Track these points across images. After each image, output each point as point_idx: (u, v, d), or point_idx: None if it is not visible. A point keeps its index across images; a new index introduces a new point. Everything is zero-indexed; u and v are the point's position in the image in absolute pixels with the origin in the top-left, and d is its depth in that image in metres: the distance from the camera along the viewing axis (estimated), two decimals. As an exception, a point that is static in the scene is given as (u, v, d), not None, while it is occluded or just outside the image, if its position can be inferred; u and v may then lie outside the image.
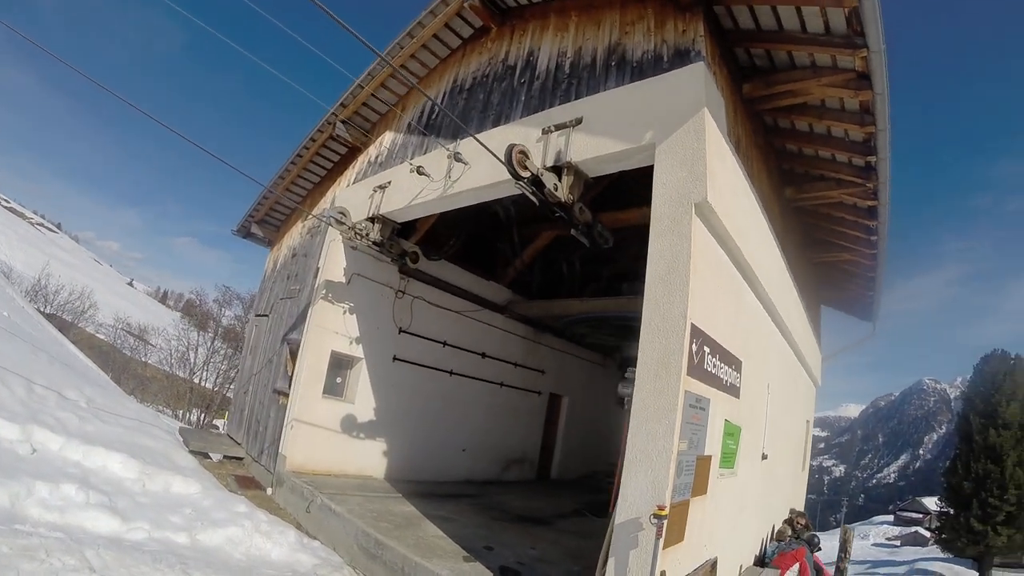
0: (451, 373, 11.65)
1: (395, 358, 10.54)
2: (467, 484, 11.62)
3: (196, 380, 31.08)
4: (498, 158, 5.46)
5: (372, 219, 8.87)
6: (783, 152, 8.36)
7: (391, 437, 10.52)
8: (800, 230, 10.42)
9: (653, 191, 5.10)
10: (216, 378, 32.25)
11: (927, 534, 54.38)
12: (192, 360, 31.87)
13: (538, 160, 6.04)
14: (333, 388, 9.91)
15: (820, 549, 8.94)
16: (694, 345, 4.66)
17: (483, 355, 12.44)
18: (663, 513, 4.11)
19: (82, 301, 37.00)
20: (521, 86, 7.38)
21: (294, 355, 10.24)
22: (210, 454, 10.83)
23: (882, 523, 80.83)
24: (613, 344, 14.98)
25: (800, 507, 13.24)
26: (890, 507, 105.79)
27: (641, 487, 4.41)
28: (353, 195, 9.66)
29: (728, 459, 6.11)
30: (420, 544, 6.72)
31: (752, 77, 6.70)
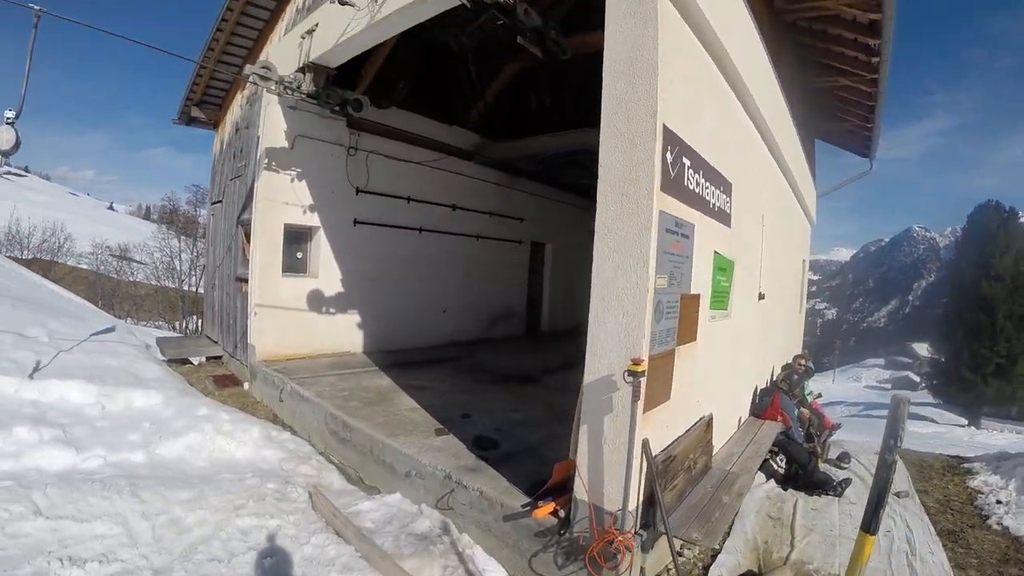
0: (420, 231, 10.51)
1: (356, 221, 9.42)
2: (452, 347, 10.90)
3: (185, 287, 29.94)
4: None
5: (303, 69, 7.44)
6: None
7: (364, 308, 9.67)
8: (793, 51, 8.87)
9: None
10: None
11: (916, 378, 55.84)
12: (179, 268, 30.58)
13: (469, -46, 4.58)
14: (294, 265, 8.90)
15: (797, 392, 8.04)
16: (668, 154, 3.48)
17: (453, 207, 11.23)
18: (639, 368, 3.15)
19: (56, 237, 34.73)
20: None
21: (249, 237, 9.17)
22: (191, 359, 10.15)
23: (873, 366, 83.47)
24: (591, 183, 13.68)
25: (798, 350, 12.64)
26: (880, 351, 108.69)
27: (612, 336, 3.44)
28: (283, 49, 8.10)
29: (720, 298, 5.13)
30: (390, 421, 6.02)
31: None
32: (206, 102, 11.47)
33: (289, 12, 8.81)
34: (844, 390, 53.87)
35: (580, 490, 3.57)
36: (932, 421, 28.31)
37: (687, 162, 3.84)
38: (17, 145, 5.42)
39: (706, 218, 4.41)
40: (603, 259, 3.48)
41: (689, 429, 4.41)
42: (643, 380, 3.17)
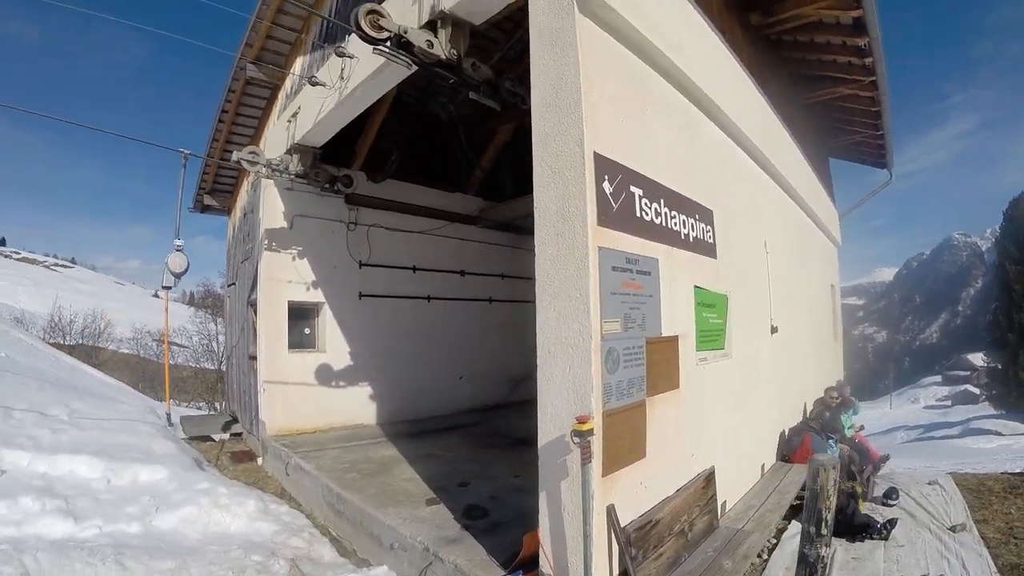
0: (429, 299, 10.22)
1: (361, 295, 9.24)
2: (470, 413, 10.38)
3: (223, 368, 29.85)
4: (343, 25, 4.32)
5: (290, 151, 7.59)
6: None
7: (376, 379, 9.35)
8: (783, 67, 8.62)
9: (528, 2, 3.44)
10: (241, 360, 31.19)
11: (976, 391, 51.78)
12: (216, 350, 30.29)
13: (412, 20, 4.51)
14: (302, 340, 8.74)
15: (837, 427, 7.33)
16: (607, 184, 3.12)
17: (462, 273, 10.92)
18: (585, 427, 2.69)
19: (96, 323, 35.44)
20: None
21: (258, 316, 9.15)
22: (212, 436, 9.98)
23: (930, 384, 78.14)
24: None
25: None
26: (936, 367, 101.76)
27: (560, 392, 3.02)
28: (275, 133, 8.38)
29: (711, 337, 4.62)
30: (384, 492, 5.65)
31: None
32: (217, 190, 11.71)
33: (280, 98, 8.98)
34: (904, 414, 50.27)
35: (545, 564, 3.09)
36: (996, 434, 25.83)
37: (638, 191, 3.46)
38: (187, 268, 6.23)
39: (676, 251, 3.98)
40: (545, 307, 3.12)
41: (681, 488, 3.84)
42: (592, 440, 2.71)
